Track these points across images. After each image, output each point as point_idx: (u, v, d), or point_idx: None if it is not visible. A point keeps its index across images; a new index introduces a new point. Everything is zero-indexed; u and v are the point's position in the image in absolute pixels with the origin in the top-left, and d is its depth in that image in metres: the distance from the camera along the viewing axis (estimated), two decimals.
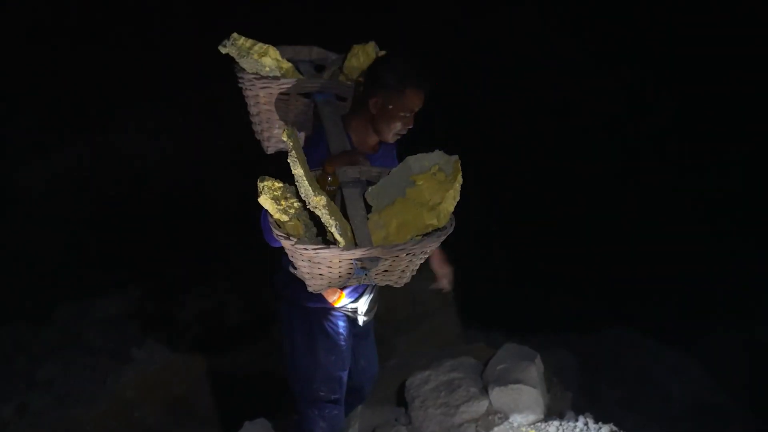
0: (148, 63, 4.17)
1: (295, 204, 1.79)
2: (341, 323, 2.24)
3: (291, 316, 2.22)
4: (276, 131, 2.15)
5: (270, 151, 2.19)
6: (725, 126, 4.53)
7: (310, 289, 1.83)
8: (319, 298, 2.14)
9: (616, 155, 4.41)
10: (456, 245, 2.03)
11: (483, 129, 4.03)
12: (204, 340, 3.61)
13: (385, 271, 1.81)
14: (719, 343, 3.39)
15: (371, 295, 2.26)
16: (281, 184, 1.79)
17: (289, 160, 1.75)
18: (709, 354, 3.32)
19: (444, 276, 2.41)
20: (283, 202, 1.78)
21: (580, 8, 4.64)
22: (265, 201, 1.77)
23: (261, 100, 2.10)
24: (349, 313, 2.25)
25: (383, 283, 1.86)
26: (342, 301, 2.18)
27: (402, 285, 1.88)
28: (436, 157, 1.83)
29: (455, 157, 1.80)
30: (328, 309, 2.20)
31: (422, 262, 1.85)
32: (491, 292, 3.58)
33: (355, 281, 1.80)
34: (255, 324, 3.57)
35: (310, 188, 1.75)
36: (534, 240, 3.96)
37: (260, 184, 1.77)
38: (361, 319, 2.26)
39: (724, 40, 4.58)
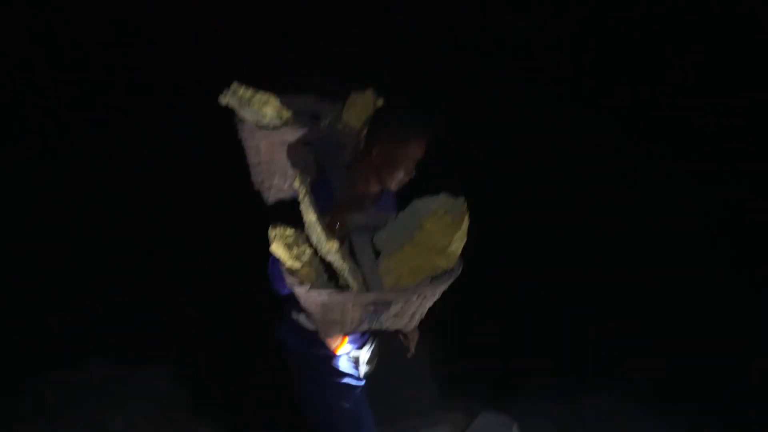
0: (143, 110, 4.09)
1: (307, 251, 1.81)
2: (344, 373, 2.22)
3: (297, 365, 2.20)
4: (276, 181, 2.17)
5: (270, 200, 2.21)
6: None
7: (321, 337, 1.84)
8: (322, 345, 2.13)
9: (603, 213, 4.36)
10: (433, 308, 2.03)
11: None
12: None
13: (396, 315, 1.83)
14: (706, 416, 3.37)
15: (373, 345, 2.27)
16: (293, 231, 1.81)
17: (301, 207, 1.78)
18: (696, 428, 3.31)
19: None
20: (295, 249, 1.80)
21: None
22: (277, 248, 1.78)
23: (262, 150, 2.12)
24: (350, 363, 2.23)
25: (394, 328, 1.87)
26: (344, 348, 2.17)
27: (411, 329, 1.90)
28: (443, 200, 1.89)
29: (462, 200, 1.85)
30: (331, 356, 2.18)
31: (431, 305, 1.88)
32: (469, 356, 3.56)
33: (366, 326, 1.82)
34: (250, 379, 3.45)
35: (322, 234, 1.78)
36: (513, 304, 3.94)
37: (272, 232, 1.78)
38: (362, 369, 2.26)
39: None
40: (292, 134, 2.11)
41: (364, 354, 2.25)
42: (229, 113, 2.13)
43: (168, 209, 3.92)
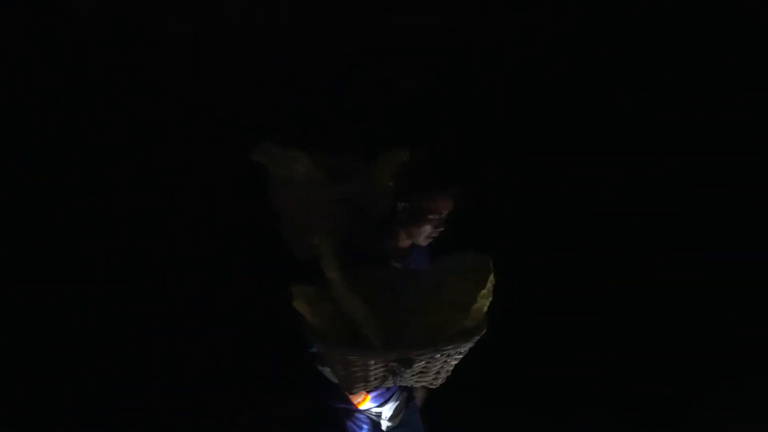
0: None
1: (329, 308, 1.82)
2: (366, 426, 2.22)
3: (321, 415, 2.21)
4: (305, 237, 2.09)
5: (302, 256, 2.17)
6: None
7: (344, 392, 1.83)
8: (344, 399, 2.13)
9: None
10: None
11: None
12: None
13: (420, 372, 1.82)
14: None
15: (397, 402, 2.23)
16: (314, 288, 1.83)
17: (322, 265, 1.79)
18: None
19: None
20: (316, 306, 1.81)
21: None
22: (299, 305, 1.80)
23: (292, 207, 2.16)
24: (373, 417, 2.23)
25: (419, 385, 1.86)
26: (366, 404, 2.17)
27: (437, 386, 1.88)
28: (468, 257, 1.87)
29: (488, 257, 1.83)
30: (353, 411, 2.19)
31: (457, 362, 1.86)
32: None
33: (390, 383, 1.80)
34: None
35: (344, 292, 1.79)
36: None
37: (293, 289, 1.80)
38: (384, 424, 2.23)
39: None
40: (322, 191, 2.14)
41: (387, 410, 2.22)
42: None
43: (168, 214, 3.87)
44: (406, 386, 2.21)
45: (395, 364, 1.77)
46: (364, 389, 1.85)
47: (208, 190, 3.78)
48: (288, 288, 1.78)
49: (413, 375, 1.82)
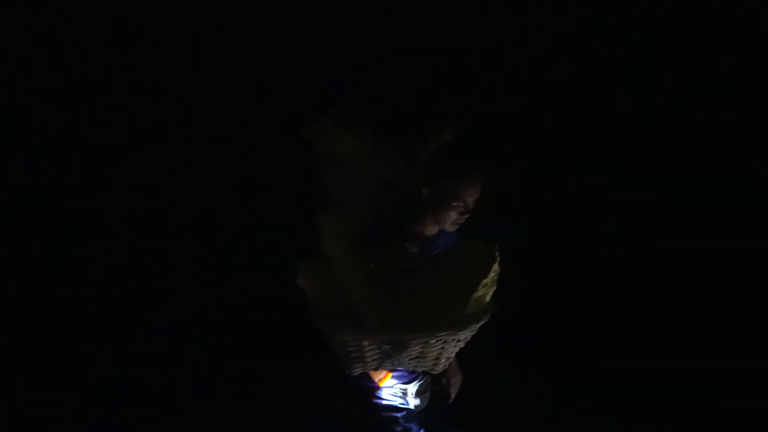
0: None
1: (333, 287, 1.84)
2: (391, 400, 2.19)
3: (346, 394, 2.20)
4: (356, 218, 2.08)
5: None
6: None
7: (345, 371, 1.81)
8: (366, 376, 2.10)
9: None
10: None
11: None
12: None
13: (417, 357, 1.82)
14: None
15: (423, 380, 2.20)
16: (320, 266, 1.84)
17: (322, 242, 1.81)
18: None
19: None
20: (319, 284, 1.84)
21: None
22: (302, 282, 1.82)
23: (334, 184, 2.09)
24: (399, 395, 2.20)
25: (420, 369, 1.87)
26: (388, 381, 2.15)
27: (439, 371, 1.87)
28: (476, 245, 1.87)
29: (494, 246, 1.82)
30: (377, 388, 2.16)
31: (457, 350, 1.85)
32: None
33: (389, 365, 1.79)
34: None
35: (343, 270, 1.81)
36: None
37: (299, 266, 1.83)
38: (412, 402, 2.20)
39: None
40: (363, 169, 2.10)
41: (412, 387, 2.19)
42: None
43: (170, 212, 3.87)
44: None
45: (387, 346, 1.78)
46: (363, 369, 1.85)
47: (208, 191, 3.82)
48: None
49: (411, 359, 1.83)
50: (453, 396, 2.35)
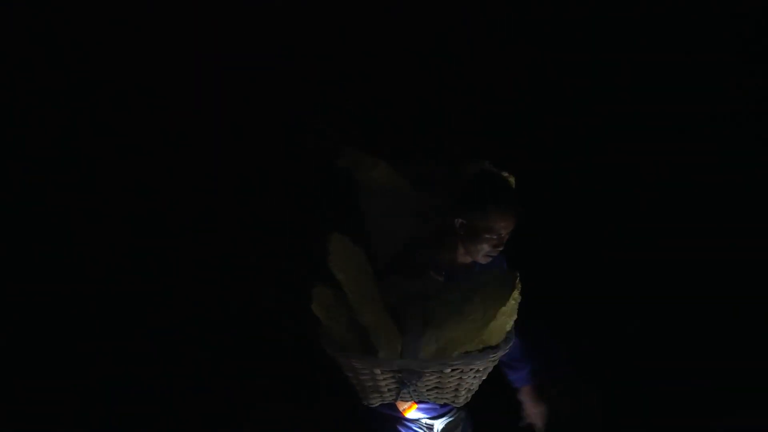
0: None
1: (344, 311, 1.79)
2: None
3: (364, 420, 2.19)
4: (389, 248, 2.15)
5: (381, 263, 2.13)
6: None
7: (363, 402, 1.76)
8: (392, 405, 2.08)
9: None
10: None
11: None
12: None
13: (436, 388, 1.77)
14: None
15: (452, 419, 2.20)
16: (333, 292, 1.80)
17: (329, 265, 1.76)
18: None
19: (536, 415, 2.36)
20: (334, 310, 1.79)
21: None
22: (316, 308, 1.78)
23: (372, 212, 2.15)
24: (424, 430, 2.19)
25: (440, 402, 1.82)
26: (413, 413, 2.12)
27: (461, 404, 1.83)
28: (497, 273, 1.83)
29: (515, 274, 1.76)
30: (401, 418, 2.15)
31: (479, 381, 1.81)
32: None
33: (407, 396, 1.75)
34: None
35: (353, 297, 1.76)
36: None
37: (314, 291, 1.78)
38: None
39: None
40: (397, 199, 2.14)
41: (439, 424, 2.18)
42: None
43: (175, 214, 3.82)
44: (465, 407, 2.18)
45: (400, 375, 1.74)
46: (381, 400, 1.79)
47: (208, 191, 3.80)
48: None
49: (429, 390, 1.78)
50: (543, 427, 2.40)
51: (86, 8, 3.63)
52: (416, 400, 1.78)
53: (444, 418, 2.18)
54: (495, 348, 1.77)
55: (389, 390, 1.77)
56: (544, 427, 2.40)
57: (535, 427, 2.41)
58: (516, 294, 1.75)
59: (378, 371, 1.74)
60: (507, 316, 1.76)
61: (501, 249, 2.07)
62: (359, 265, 1.84)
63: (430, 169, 2.26)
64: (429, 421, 2.17)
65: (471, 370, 1.77)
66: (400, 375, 1.73)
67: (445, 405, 2.14)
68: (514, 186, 2.14)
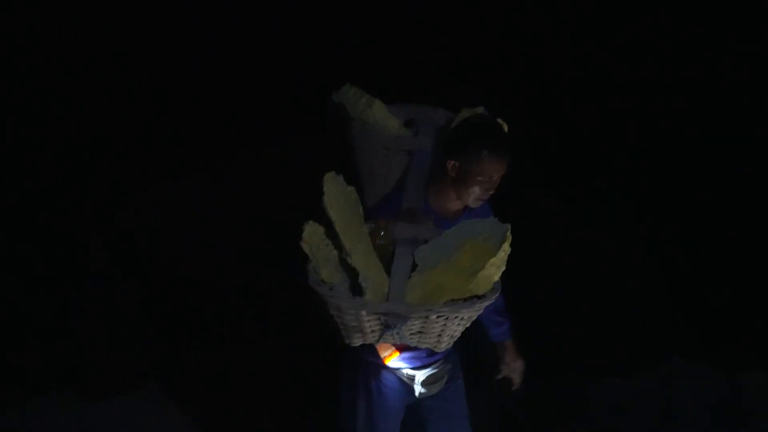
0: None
1: (334, 252, 1.80)
2: (392, 385, 2.19)
3: (344, 366, 2.23)
4: (378, 190, 2.18)
5: (370, 204, 2.17)
6: None
7: (345, 341, 1.77)
8: (373, 351, 2.09)
9: None
10: None
11: None
12: None
13: (420, 332, 1.78)
14: None
15: (435, 371, 2.20)
16: (323, 230, 1.80)
17: (323, 203, 1.75)
18: None
19: (514, 370, 2.37)
20: (323, 249, 1.79)
21: None
22: (304, 245, 1.78)
23: (364, 152, 2.16)
24: (405, 379, 2.19)
25: (423, 346, 1.82)
26: (394, 361, 2.13)
27: (442, 350, 1.84)
28: (489, 224, 1.81)
29: (507, 226, 1.76)
30: (382, 366, 2.16)
31: (462, 329, 1.81)
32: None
33: (390, 338, 1.76)
34: None
35: (344, 237, 1.76)
36: None
37: (305, 226, 1.77)
38: (417, 389, 2.20)
39: None
40: (391, 139, 2.14)
41: (421, 375, 2.19)
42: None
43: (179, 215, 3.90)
44: (453, 361, 2.26)
45: (384, 318, 1.74)
46: (363, 340, 1.80)
47: (209, 191, 3.89)
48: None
49: (412, 334, 1.78)
50: (519, 381, 2.41)
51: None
52: (398, 343, 1.78)
53: (426, 370, 2.18)
54: (482, 297, 1.77)
55: (372, 331, 1.77)
56: (520, 383, 2.41)
57: (513, 381, 2.41)
58: (506, 246, 1.75)
59: (363, 313, 1.74)
60: (496, 267, 1.76)
61: (491, 192, 2.06)
62: (352, 205, 1.84)
63: (425, 112, 2.24)
64: (411, 372, 2.17)
65: (456, 317, 1.77)
66: (385, 317, 1.74)
67: (427, 356, 2.15)
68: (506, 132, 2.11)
